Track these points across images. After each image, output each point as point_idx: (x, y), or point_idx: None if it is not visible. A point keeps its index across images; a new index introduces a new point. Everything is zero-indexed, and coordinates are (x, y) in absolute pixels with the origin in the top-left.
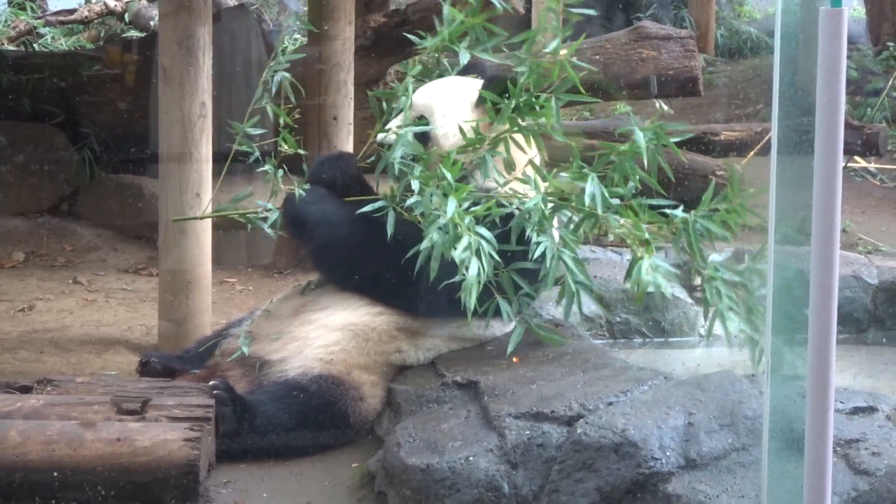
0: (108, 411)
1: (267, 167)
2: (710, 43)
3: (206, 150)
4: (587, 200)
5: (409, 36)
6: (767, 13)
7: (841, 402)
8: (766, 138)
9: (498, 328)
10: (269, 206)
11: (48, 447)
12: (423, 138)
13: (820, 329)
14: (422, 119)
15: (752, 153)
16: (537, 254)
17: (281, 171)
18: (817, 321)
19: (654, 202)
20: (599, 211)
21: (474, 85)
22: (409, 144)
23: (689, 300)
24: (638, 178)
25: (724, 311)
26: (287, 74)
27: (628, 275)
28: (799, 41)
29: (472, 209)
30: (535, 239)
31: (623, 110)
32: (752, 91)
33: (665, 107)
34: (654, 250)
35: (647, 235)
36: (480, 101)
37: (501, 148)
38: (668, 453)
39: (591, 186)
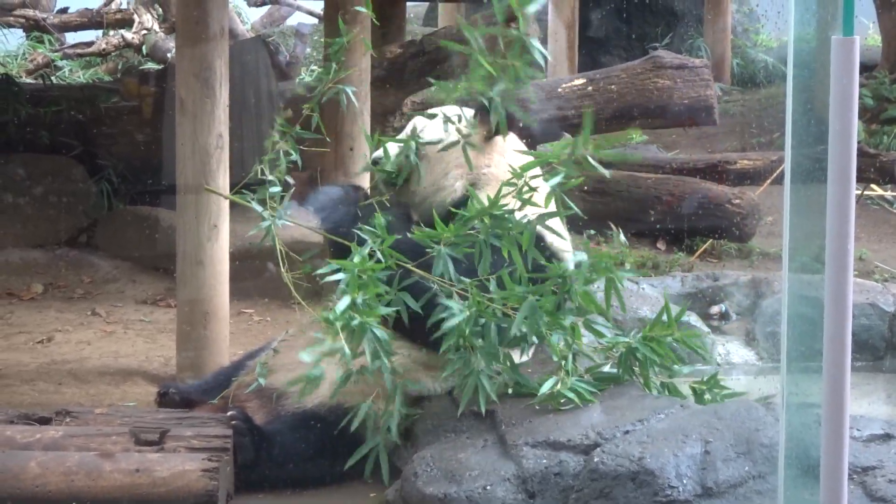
0: (127, 442)
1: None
2: (725, 72)
3: (223, 181)
4: (514, 329)
5: (433, 81)
6: (783, 42)
7: (857, 430)
8: (782, 167)
9: (514, 357)
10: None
11: (67, 478)
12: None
13: (835, 356)
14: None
15: (768, 182)
16: (435, 319)
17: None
18: (832, 348)
19: (597, 325)
20: (530, 339)
21: (468, 112)
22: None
23: (706, 328)
24: (577, 303)
25: None
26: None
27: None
28: (812, 70)
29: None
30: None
31: (639, 140)
32: (767, 120)
33: (623, 238)
34: (569, 373)
35: (572, 352)
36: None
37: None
38: (684, 481)
39: (527, 310)
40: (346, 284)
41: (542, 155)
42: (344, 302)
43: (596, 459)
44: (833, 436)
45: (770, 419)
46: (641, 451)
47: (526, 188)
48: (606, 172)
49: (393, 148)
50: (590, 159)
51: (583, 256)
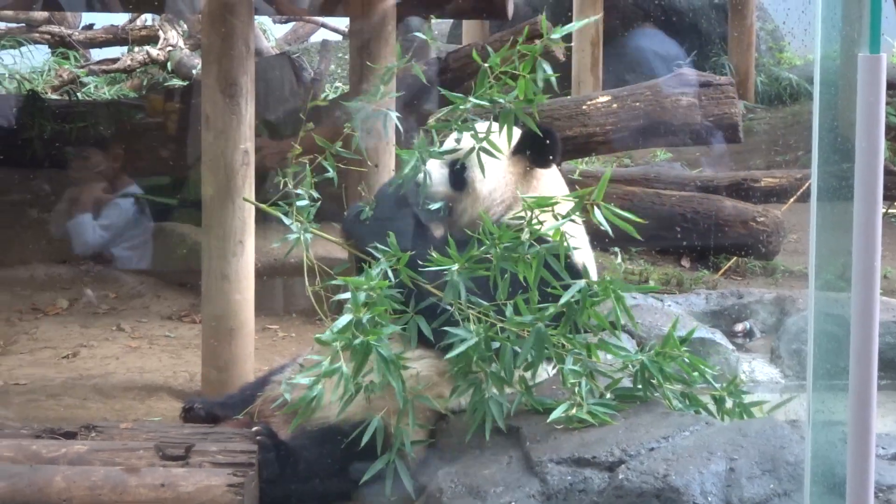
0: (152, 457)
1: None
2: (750, 89)
3: (249, 197)
4: (523, 356)
5: (445, 92)
6: (808, 59)
7: (882, 448)
8: (807, 184)
9: (539, 373)
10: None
11: (93, 493)
12: (460, 183)
13: (861, 374)
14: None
15: (792, 199)
16: (445, 343)
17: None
18: (858, 366)
19: (612, 343)
20: (538, 364)
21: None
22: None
23: (730, 346)
24: (591, 322)
25: None
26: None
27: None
28: (838, 87)
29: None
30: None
31: (663, 157)
32: (792, 137)
33: (618, 258)
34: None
35: (588, 372)
36: (517, 150)
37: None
38: (709, 499)
39: (535, 337)
40: (350, 303)
41: (547, 200)
42: (343, 321)
43: (621, 476)
44: (859, 453)
45: (795, 437)
46: (666, 469)
47: (536, 221)
48: (609, 230)
49: (437, 171)
50: (597, 213)
51: (581, 283)
